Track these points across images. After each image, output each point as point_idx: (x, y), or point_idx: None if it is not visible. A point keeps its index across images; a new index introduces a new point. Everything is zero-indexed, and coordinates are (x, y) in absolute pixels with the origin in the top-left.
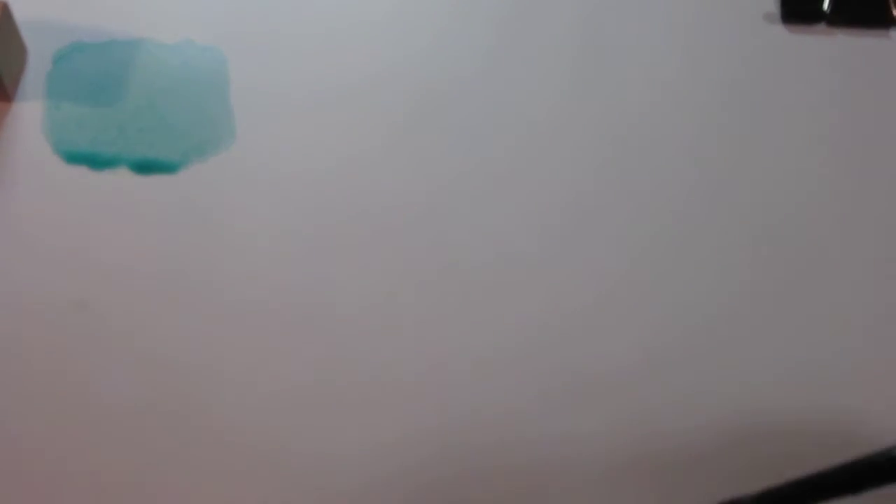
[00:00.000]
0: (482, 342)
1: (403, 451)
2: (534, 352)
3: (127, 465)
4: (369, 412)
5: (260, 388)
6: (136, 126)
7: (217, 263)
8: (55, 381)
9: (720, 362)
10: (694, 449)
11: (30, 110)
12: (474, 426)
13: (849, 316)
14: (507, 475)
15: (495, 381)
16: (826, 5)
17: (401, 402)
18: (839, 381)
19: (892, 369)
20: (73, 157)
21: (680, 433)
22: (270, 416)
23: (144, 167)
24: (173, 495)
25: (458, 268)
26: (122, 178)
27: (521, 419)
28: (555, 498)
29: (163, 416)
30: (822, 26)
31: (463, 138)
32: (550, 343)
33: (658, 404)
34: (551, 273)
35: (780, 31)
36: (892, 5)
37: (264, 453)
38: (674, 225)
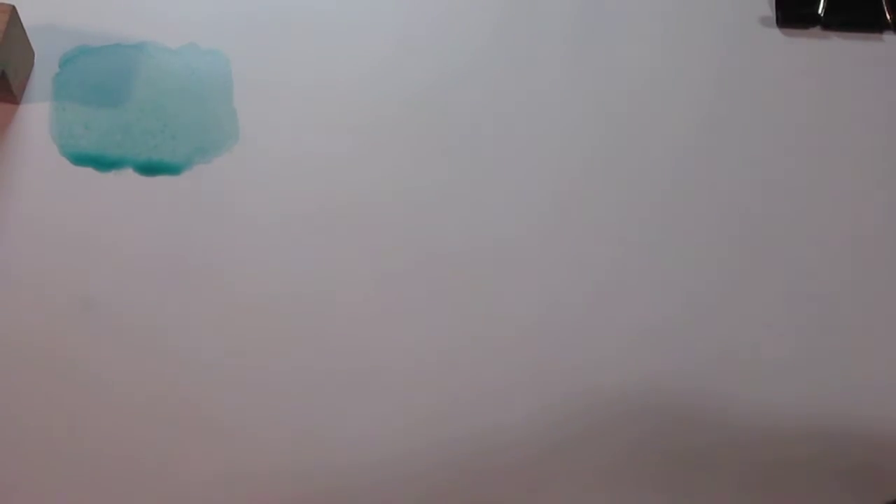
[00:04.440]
0: (483, 339)
1: (403, 442)
2: (533, 347)
3: (132, 461)
4: (376, 403)
5: (264, 386)
6: (140, 128)
7: (221, 263)
8: (60, 380)
9: (731, 371)
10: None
11: (37, 112)
12: (474, 421)
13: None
14: (502, 473)
15: (501, 400)
16: (821, 9)
17: (404, 395)
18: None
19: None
20: (80, 159)
21: (688, 434)
22: (274, 412)
23: (149, 168)
24: (175, 492)
25: (464, 265)
26: (128, 179)
27: (516, 416)
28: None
29: (170, 413)
30: (817, 30)
31: (468, 138)
32: (548, 340)
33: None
34: (550, 270)
35: (776, 35)
36: (887, 9)
37: (271, 449)
38: (671, 227)
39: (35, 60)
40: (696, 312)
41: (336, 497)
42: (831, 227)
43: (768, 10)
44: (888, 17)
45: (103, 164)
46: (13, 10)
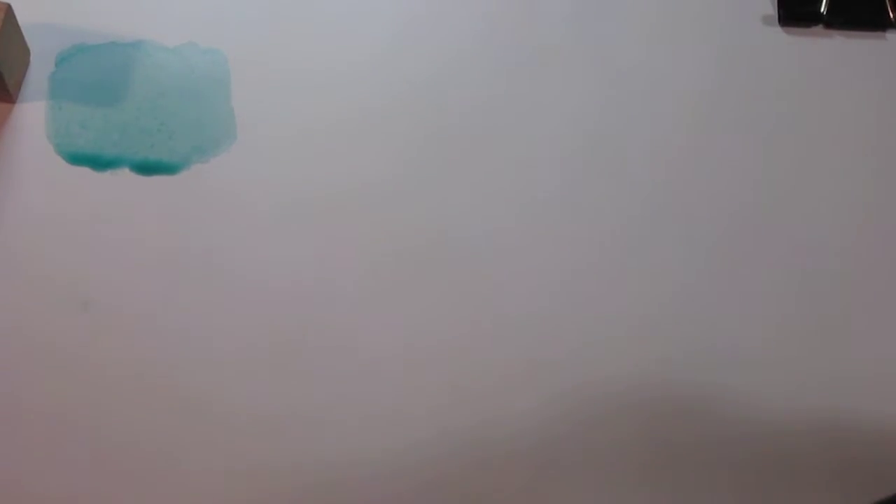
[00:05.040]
0: (487, 365)
1: (403, 448)
2: (529, 340)
3: (128, 465)
4: (377, 397)
5: (264, 380)
6: (137, 127)
7: (219, 262)
8: (57, 381)
9: (733, 374)
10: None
11: (32, 111)
12: (474, 423)
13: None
14: (500, 472)
15: (498, 395)
16: (823, 7)
17: (404, 389)
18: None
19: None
20: (76, 159)
21: (687, 439)
22: (271, 418)
23: (146, 168)
24: (173, 497)
25: (463, 283)
26: (124, 178)
27: (518, 421)
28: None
29: (165, 416)
30: (819, 28)
31: (468, 139)
32: (543, 333)
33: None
34: (569, 291)
35: (778, 33)
36: (890, 8)
37: (267, 455)
38: (672, 227)
39: (31, 59)
40: (691, 306)
41: (335, 489)
42: (833, 225)
43: (770, 8)
44: (890, 15)
45: (100, 163)
46: (8, 7)
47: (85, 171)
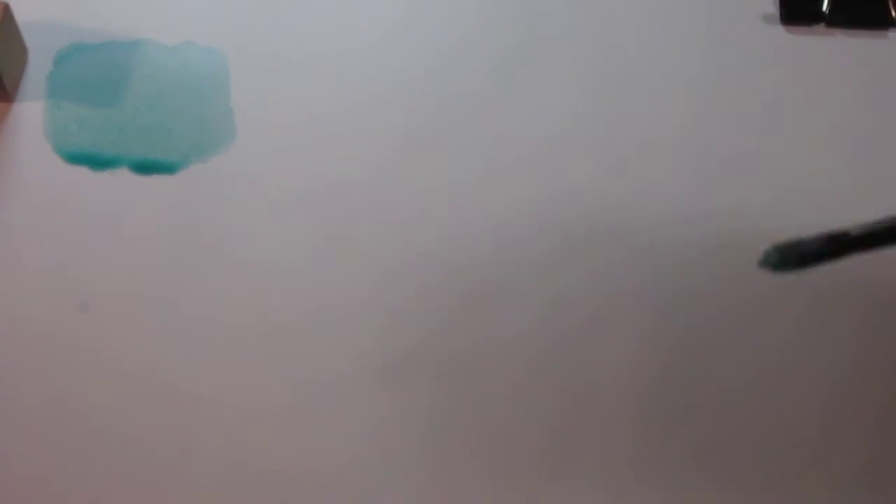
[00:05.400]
0: (483, 357)
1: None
2: (535, 370)
3: (125, 469)
4: (373, 417)
5: (257, 392)
6: (136, 126)
7: (217, 262)
8: (54, 382)
9: None
10: None
11: (31, 111)
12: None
13: None
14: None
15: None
16: (825, 6)
17: (396, 413)
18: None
19: None
20: (74, 158)
21: None
22: (268, 422)
23: (144, 167)
24: (174, 496)
25: (461, 281)
26: (123, 178)
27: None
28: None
29: (162, 420)
30: (821, 27)
31: (469, 147)
32: (548, 362)
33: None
34: (562, 287)
35: (780, 32)
36: (892, 6)
37: (262, 460)
38: (675, 227)
39: (29, 58)
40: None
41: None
42: (832, 224)
43: (771, 6)
44: (893, 14)
45: (98, 162)
46: (6, 6)
47: (83, 171)
